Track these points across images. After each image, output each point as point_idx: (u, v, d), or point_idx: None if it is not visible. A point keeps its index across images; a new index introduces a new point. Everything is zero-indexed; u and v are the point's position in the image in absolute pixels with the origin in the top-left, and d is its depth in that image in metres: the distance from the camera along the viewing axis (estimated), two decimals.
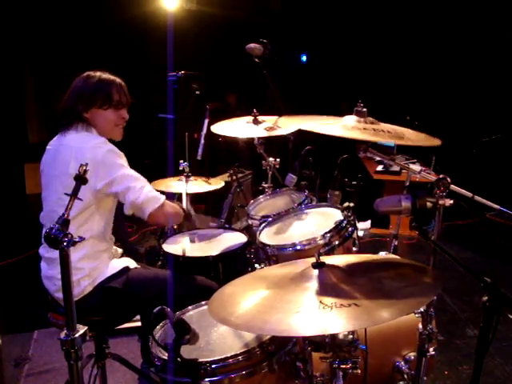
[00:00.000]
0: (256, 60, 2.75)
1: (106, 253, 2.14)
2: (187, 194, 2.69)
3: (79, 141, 2.02)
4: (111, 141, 2.11)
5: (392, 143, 5.28)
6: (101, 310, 2.03)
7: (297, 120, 2.02)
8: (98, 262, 2.06)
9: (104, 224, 2.08)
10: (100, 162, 1.95)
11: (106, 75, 2.12)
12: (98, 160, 1.95)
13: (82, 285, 2.00)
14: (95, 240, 2.05)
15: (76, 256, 1.96)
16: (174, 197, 2.75)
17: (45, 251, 2.09)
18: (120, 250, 2.31)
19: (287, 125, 2.58)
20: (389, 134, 1.58)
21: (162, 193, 2.16)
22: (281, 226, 2.26)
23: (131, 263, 2.19)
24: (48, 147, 2.15)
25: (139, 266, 2.21)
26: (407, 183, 2.40)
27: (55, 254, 1.43)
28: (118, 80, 2.14)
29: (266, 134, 2.61)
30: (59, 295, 1.99)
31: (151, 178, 2.43)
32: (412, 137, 1.61)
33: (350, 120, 1.69)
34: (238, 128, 2.72)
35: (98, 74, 2.12)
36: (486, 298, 1.21)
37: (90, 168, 1.91)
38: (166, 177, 3.09)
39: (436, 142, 1.52)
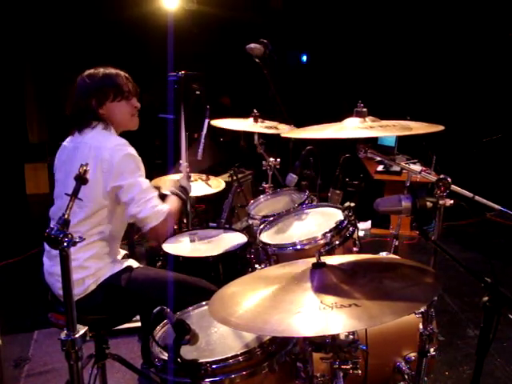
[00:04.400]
0: (256, 60, 2.75)
1: (114, 254, 2.15)
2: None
3: (99, 140, 2.02)
4: (125, 134, 2.12)
5: (393, 143, 5.24)
6: (103, 308, 2.03)
7: (304, 132, 2.02)
8: (105, 262, 2.06)
9: (117, 227, 2.10)
10: (115, 164, 1.95)
11: (109, 69, 2.12)
12: (113, 162, 1.95)
13: (86, 283, 2.00)
14: (106, 242, 2.06)
15: (85, 255, 1.98)
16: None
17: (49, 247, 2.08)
18: (123, 252, 2.30)
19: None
20: (396, 127, 1.58)
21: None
22: (281, 226, 2.26)
23: (134, 263, 2.19)
24: (64, 144, 2.15)
25: (142, 266, 2.21)
26: (408, 183, 2.39)
27: None
28: (121, 71, 2.15)
29: (266, 130, 2.63)
30: (62, 292, 1.99)
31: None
32: (417, 126, 1.60)
33: (354, 122, 1.68)
34: (238, 126, 2.74)
35: (101, 69, 2.11)
36: (486, 298, 1.20)
37: (105, 169, 1.94)
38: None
39: (440, 127, 1.53)
